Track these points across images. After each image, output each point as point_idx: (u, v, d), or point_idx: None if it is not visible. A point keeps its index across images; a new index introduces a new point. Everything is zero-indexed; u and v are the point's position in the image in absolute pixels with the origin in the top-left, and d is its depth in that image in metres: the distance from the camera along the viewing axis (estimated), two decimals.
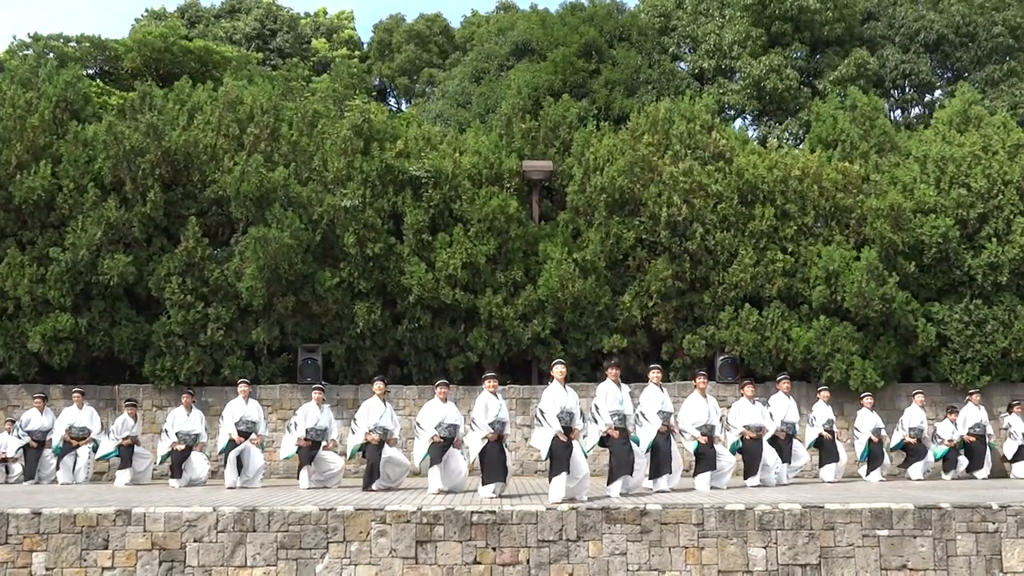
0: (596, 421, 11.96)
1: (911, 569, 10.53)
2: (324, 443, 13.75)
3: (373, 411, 13.18)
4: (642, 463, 12.21)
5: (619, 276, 17.20)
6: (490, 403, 12.22)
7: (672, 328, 17.10)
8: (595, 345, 16.90)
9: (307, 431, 13.65)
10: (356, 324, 16.47)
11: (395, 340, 16.85)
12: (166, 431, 14.25)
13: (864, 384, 16.03)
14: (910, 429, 15.54)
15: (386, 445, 13.16)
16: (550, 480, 11.29)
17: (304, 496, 12.13)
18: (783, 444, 14.39)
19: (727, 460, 13.28)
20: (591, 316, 16.79)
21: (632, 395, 12.65)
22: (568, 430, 11.45)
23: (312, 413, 13.77)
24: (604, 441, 11.90)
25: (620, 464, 11.80)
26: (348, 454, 13.45)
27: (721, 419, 13.57)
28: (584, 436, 11.72)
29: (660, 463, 12.54)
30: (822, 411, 15.27)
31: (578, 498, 11.18)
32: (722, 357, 16.71)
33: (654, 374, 12.91)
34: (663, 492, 12.40)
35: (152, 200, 16.25)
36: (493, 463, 11.94)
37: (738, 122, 25.59)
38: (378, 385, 13.30)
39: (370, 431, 13.13)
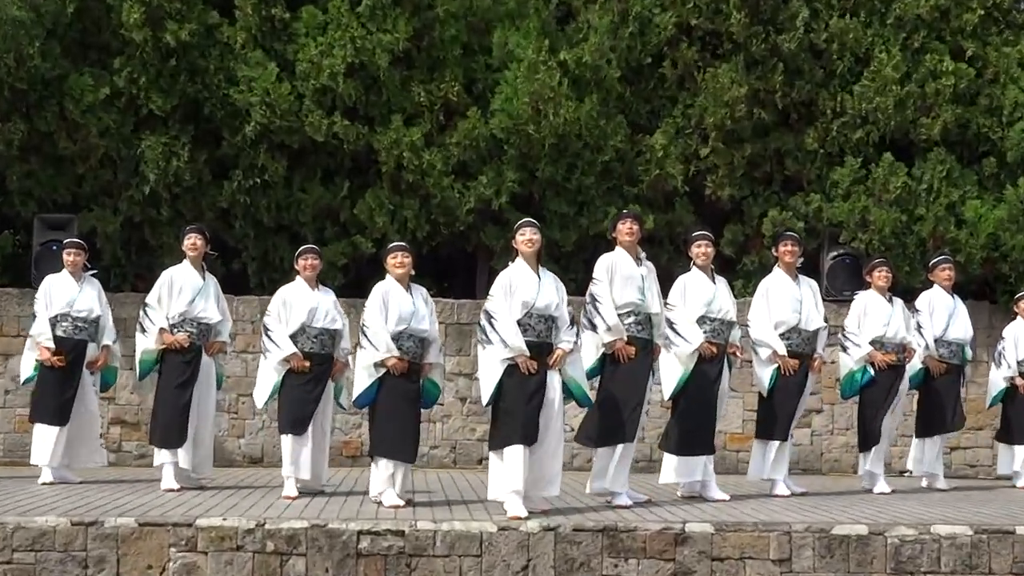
0: (593, 326, 12.08)
1: None
2: (96, 347, 13.84)
3: (180, 285, 13.24)
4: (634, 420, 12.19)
5: (645, 97, 17.31)
6: (394, 296, 12.06)
7: (744, 197, 17.19)
8: (595, 226, 16.98)
9: (57, 320, 13.60)
10: (144, 177, 16.46)
11: (218, 209, 16.94)
12: None
13: None
14: None
15: (203, 358, 13.28)
16: (499, 453, 11.36)
17: (45, 495, 12.09)
18: (944, 388, 14.52)
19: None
20: (589, 172, 16.89)
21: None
22: (542, 349, 11.45)
23: (64, 288, 13.80)
24: (604, 364, 12.17)
25: (617, 421, 11.97)
26: (138, 373, 13.50)
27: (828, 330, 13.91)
28: (572, 353, 11.72)
29: (697, 428, 12.72)
30: (1020, 336, 15.33)
31: (544, 493, 11.48)
32: (835, 253, 16.86)
33: (701, 248, 13.12)
34: (716, 499, 12.58)
35: None
36: (392, 417, 11.88)
37: None
38: (193, 240, 13.45)
39: (170, 326, 13.18)
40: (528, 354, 11.25)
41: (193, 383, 13.15)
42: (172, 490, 12.86)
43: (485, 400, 11.47)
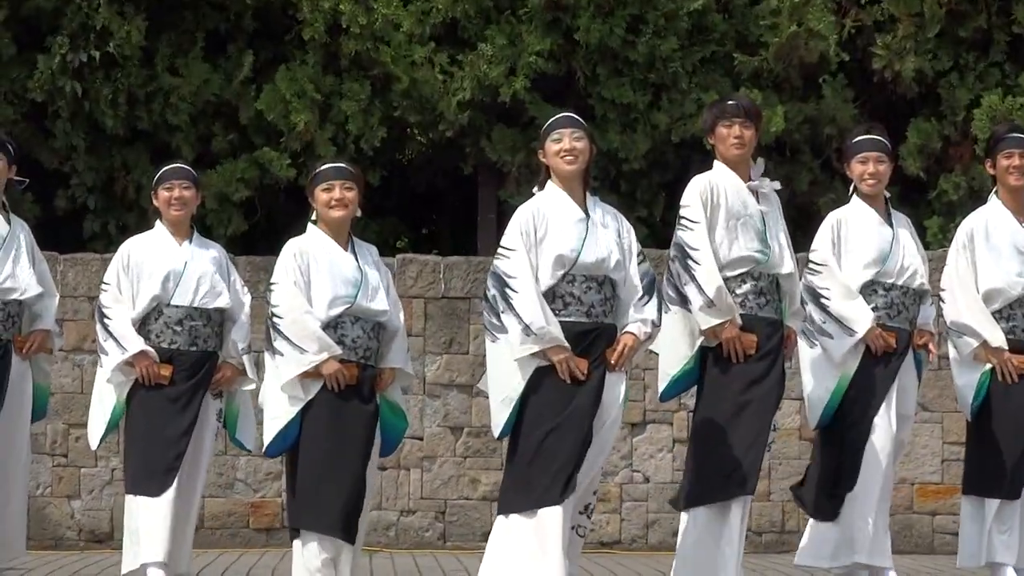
0: (683, 300, 10.94)
1: None
2: None
3: None
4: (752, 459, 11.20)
5: None
6: (322, 257, 10.99)
7: (941, 74, 16.92)
8: (679, 126, 16.65)
9: None
10: None
11: (29, 103, 16.73)
12: None
13: None
14: None
15: (13, 362, 12.07)
16: (514, 517, 10.26)
17: None
18: None
19: None
20: (667, 32, 16.58)
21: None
22: (596, 338, 10.45)
23: None
24: (703, 364, 11.13)
25: (727, 465, 10.92)
26: None
27: None
28: (645, 341, 10.80)
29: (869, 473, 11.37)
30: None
31: (580, 530, 10.68)
32: None
33: (868, 164, 11.82)
34: None
35: None
36: (328, 464, 10.81)
37: None
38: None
39: None
40: (568, 348, 10.22)
41: None
42: None
43: (498, 429, 10.48)
